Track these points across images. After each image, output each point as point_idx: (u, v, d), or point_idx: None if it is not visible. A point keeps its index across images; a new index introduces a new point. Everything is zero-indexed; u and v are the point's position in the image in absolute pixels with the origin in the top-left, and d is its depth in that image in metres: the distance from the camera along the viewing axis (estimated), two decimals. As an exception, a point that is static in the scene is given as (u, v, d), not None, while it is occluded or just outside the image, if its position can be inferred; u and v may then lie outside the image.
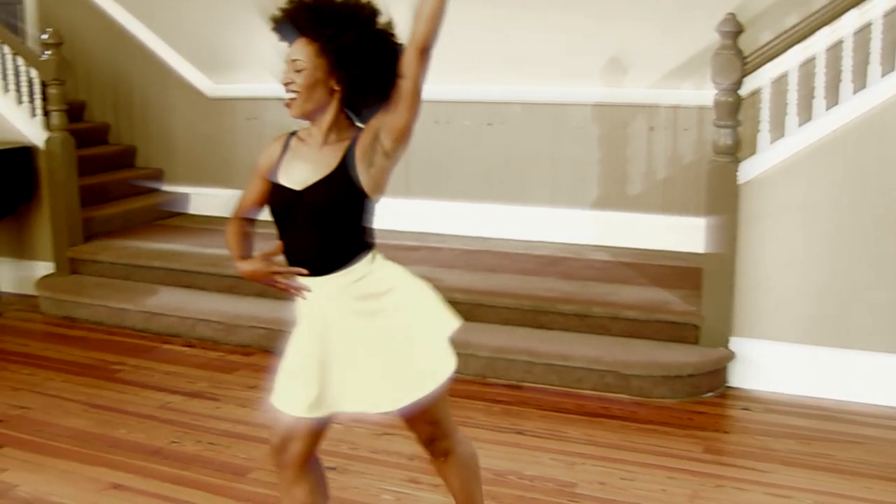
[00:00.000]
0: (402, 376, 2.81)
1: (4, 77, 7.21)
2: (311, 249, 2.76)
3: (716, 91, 5.11)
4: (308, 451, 2.94)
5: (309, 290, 2.78)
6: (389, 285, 2.82)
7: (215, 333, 5.98)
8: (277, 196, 2.79)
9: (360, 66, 2.65)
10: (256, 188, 2.90)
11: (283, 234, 2.81)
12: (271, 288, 2.85)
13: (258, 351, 5.78)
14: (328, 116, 2.73)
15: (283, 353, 2.91)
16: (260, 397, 4.98)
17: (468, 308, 5.64)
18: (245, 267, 2.86)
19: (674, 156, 6.64)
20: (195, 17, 8.10)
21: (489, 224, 7.13)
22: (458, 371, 5.22)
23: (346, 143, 2.73)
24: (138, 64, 8.44)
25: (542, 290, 5.76)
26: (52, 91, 6.95)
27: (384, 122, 2.70)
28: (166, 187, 8.43)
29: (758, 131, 5.23)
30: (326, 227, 2.73)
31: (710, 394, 5.12)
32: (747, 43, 5.16)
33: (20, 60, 7.13)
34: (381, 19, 2.74)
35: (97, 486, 4.13)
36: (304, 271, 2.77)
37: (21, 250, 7.23)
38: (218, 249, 6.74)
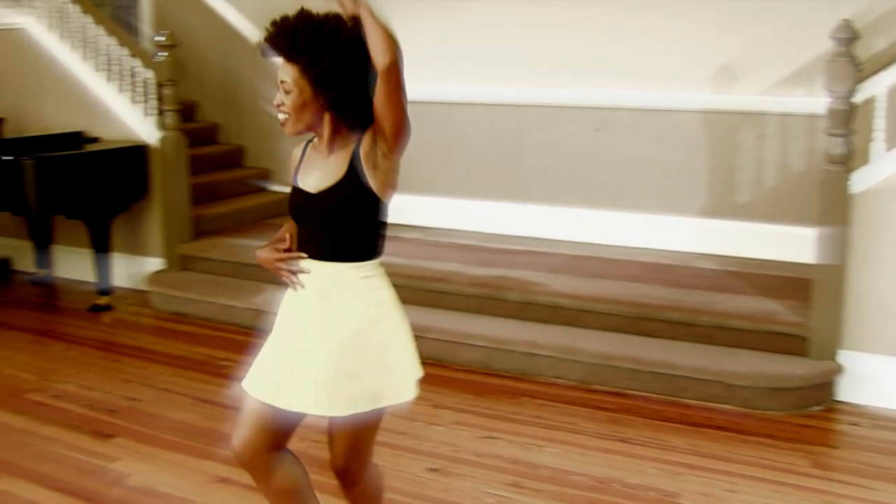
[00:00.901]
0: (355, 387, 2.80)
1: (121, 77, 7.40)
2: (323, 247, 2.82)
3: (829, 99, 5.02)
4: (272, 447, 2.94)
5: (308, 272, 2.82)
6: (384, 300, 2.87)
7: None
8: (295, 198, 2.87)
9: (338, 89, 2.71)
10: None
11: (300, 232, 2.88)
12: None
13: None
14: (326, 130, 2.79)
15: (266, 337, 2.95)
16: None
17: (573, 313, 5.66)
18: (259, 253, 2.94)
19: (783, 164, 6.54)
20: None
21: (595, 229, 7.09)
22: (561, 376, 5.31)
23: (350, 148, 2.78)
24: (248, 65, 8.58)
25: (648, 298, 5.71)
26: (166, 91, 7.12)
27: (377, 127, 2.73)
28: (274, 187, 8.56)
29: (871, 140, 5.12)
30: (338, 229, 2.80)
31: (817, 407, 5.03)
32: (861, 50, 5.06)
33: (136, 61, 7.32)
34: (361, 32, 2.72)
35: (204, 479, 4.22)
36: (304, 256, 2.83)
37: (134, 246, 7.41)
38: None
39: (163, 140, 7.15)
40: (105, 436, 4.70)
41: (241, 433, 2.92)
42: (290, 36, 2.72)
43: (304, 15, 2.75)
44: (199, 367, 5.70)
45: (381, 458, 4.27)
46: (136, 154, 7.14)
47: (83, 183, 6.77)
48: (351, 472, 3.04)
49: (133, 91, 7.37)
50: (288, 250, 2.89)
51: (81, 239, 7.24)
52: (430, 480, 4.12)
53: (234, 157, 8.74)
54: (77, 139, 7.39)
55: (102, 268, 6.97)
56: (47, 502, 4.03)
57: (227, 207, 7.95)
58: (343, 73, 2.71)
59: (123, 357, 5.92)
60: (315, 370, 2.78)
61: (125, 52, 7.37)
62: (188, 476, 4.25)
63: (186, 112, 8.16)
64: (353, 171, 2.75)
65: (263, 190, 8.56)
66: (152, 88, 7.26)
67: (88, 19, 7.53)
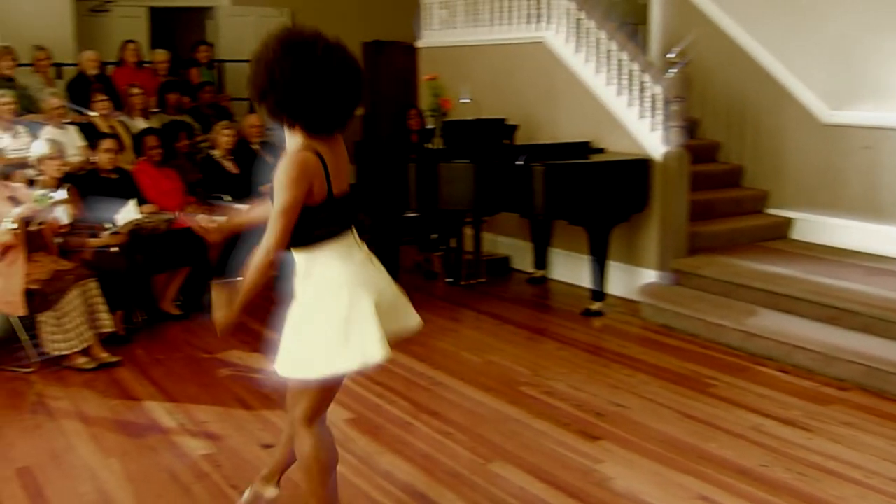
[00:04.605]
0: (287, 353, 3.38)
1: (630, 92, 7.60)
2: None
3: None
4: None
5: None
6: (316, 281, 3.34)
7: (812, 363, 5.85)
8: None
9: (277, 105, 3.20)
10: None
11: None
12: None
13: (854, 387, 5.57)
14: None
15: None
16: (855, 436, 4.85)
17: None
18: None
19: None
20: (821, 43, 7.98)
21: None
22: None
23: None
24: (754, 85, 8.51)
25: None
26: (673, 108, 7.22)
27: None
28: (770, 210, 8.42)
29: None
30: None
31: None
32: None
33: (646, 76, 7.49)
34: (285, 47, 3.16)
35: (685, 494, 4.25)
36: None
37: (629, 256, 7.59)
38: (821, 277, 6.64)
39: (667, 155, 7.27)
40: (592, 437, 4.87)
41: None
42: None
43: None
44: (685, 382, 5.72)
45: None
46: (640, 167, 7.30)
47: (588, 191, 7.04)
48: (293, 421, 3.58)
49: (641, 105, 7.55)
50: None
51: (579, 244, 7.54)
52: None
53: (733, 177, 8.70)
54: (584, 149, 7.70)
55: (598, 274, 7.22)
56: (536, 491, 4.26)
57: (723, 226, 7.93)
58: (275, 93, 3.16)
59: (611, 363, 6.09)
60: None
61: (636, 66, 7.57)
62: (670, 489, 4.30)
63: (689, 128, 8.22)
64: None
65: (759, 212, 8.45)
66: (660, 104, 7.39)
67: (602, 34, 7.82)
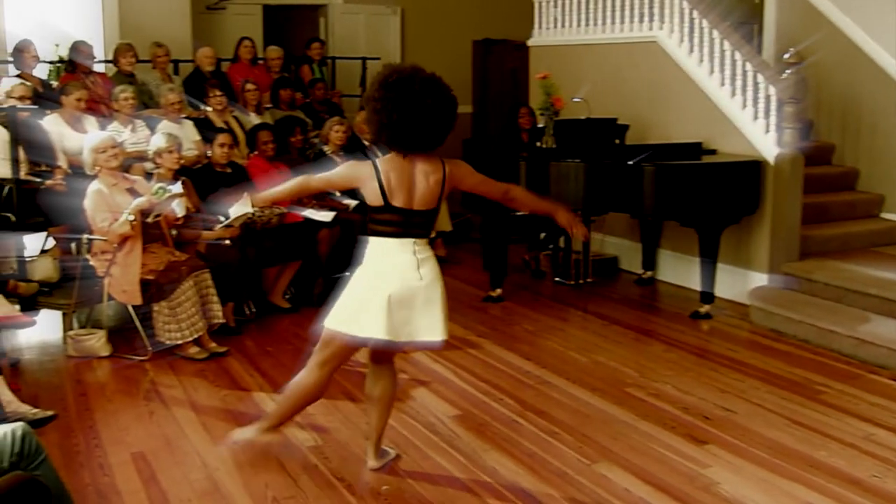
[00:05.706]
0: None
1: (744, 93, 7.49)
2: None
3: None
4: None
5: None
6: (364, 259, 4.08)
7: (927, 372, 5.71)
8: None
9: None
10: None
11: None
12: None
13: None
14: None
15: None
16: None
17: None
18: None
19: None
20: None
21: None
22: None
23: None
24: (871, 86, 8.33)
25: None
26: (787, 109, 7.09)
27: None
28: (886, 215, 8.22)
29: None
30: None
31: None
32: None
33: (760, 77, 7.37)
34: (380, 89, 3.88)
35: (793, 502, 4.18)
36: None
37: (739, 259, 7.48)
38: (939, 286, 6.46)
39: (780, 157, 7.15)
40: (699, 441, 4.82)
41: None
42: None
43: None
44: (795, 388, 5.62)
45: None
46: (753, 169, 7.19)
47: (700, 192, 6.96)
48: (309, 362, 4.22)
49: (755, 107, 7.42)
50: None
51: (688, 246, 7.47)
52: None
53: (848, 180, 8.53)
54: (696, 150, 7.62)
55: (707, 276, 7.13)
56: (641, 494, 4.24)
57: (836, 230, 7.78)
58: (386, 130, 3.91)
59: (720, 367, 6.01)
60: None
61: (750, 67, 7.45)
62: (776, 496, 4.24)
63: (803, 130, 8.06)
64: None
65: (874, 216, 8.26)
66: (773, 105, 7.27)
67: (716, 34, 7.71)
